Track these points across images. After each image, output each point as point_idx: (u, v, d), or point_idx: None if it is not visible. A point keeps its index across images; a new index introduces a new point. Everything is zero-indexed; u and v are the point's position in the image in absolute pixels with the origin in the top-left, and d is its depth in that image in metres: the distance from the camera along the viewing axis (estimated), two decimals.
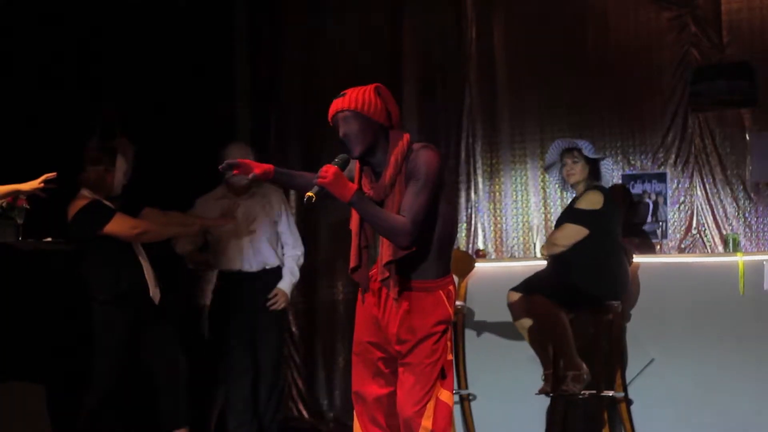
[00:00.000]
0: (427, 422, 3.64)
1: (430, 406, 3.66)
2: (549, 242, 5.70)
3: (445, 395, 3.70)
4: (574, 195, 5.91)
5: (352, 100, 3.65)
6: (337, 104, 3.69)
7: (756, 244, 6.35)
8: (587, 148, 5.74)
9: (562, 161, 5.81)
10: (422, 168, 3.58)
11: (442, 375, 3.70)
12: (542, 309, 5.54)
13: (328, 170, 3.49)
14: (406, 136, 3.69)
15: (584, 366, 5.60)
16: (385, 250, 3.63)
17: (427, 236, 3.64)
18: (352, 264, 3.76)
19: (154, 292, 5.34)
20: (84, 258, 5.24)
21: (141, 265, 5.31)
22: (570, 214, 5.68)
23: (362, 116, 3.64)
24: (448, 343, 3.72)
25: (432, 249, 3.67)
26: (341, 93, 3.70)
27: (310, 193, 3.51)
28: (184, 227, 5.41)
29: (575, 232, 5.58)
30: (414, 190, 3.57)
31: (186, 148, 7.46)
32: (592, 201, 5.62)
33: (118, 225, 5.21)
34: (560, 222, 5.75)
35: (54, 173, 4.77)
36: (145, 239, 5.32)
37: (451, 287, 3.74)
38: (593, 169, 5.78)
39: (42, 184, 4.71)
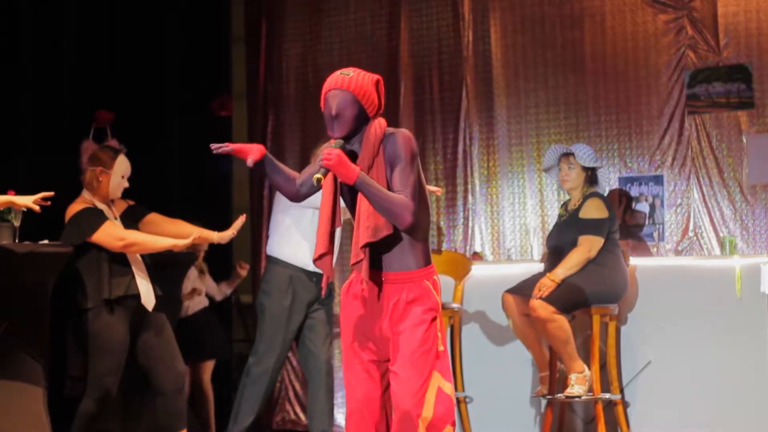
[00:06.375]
0: (426, 412, 3.60)
1: (429, 396, 3.62)
2: (574, 263, 5.63)
3: (447, 387, 3.66)
4: (568, 198, 5.93)
5: (357, 85, 3.66)
6: (341, 82, 3.67)
7: (753, 247, 6.35)
8: (585, 154, 5.76)
9: (558, 166, 5.84)
10: (402, 148, 3.63)
11: (438, 366, 3.66)
12: (543, 313, 5.55)
13: (332, 153, 3.53)
14: (384, 121, 3.73)
15: (587, 368, 5.61)
16: (362, 233, 3.61)
17: None
18: (321, 250, 3.72)
19: (147, 300, 5.31)
20: (75, 263, 5.22)
21: (132, 272, 5.28)
22: (580, 225, 5.67)
23: (359, 104, 3.66)
24: (439, 334, 3.69)
25: (412, 236, 3.67)
26: (345, 71, 3.70)
27: (317, 175, 3.55)
28: (178, 240, 5.31)
29: (597, 244, 5.62)
30: (401, 169, 3.62)
31: (183, 149, 7.47)
32: (599, 209, 5.68)
33: (105, 235, 5.18)
34: (565, 233, 5.73)
35: (51, 193, 4.77)
36: (131, 251, 5.26)
37: (435, 277, 3.73)
38: (590, 175, 5.81)
39: (36, 205, 4.72)
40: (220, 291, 7.07)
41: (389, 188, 3.62)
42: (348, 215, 6.10)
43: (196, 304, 6.78)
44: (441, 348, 3.70)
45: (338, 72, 3.71)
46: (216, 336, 6.91)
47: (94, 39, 6.89)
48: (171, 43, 7.45)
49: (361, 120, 3.69)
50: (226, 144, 3.71)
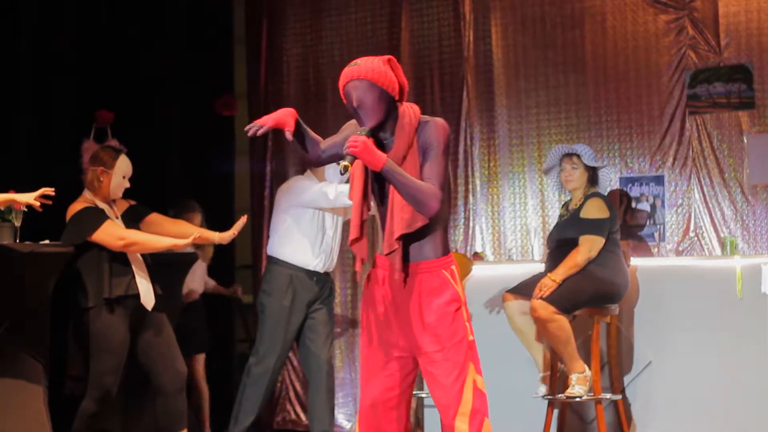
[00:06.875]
0: (464, 408, 3.57)
1: (467, 391, 3.58)
2: (575, 263, 5.62)
3: (479, 381, 3.62)
4: (569, 198, 5.93)
5: (368, 70, 3.61)
6: (351, 73, 3.63)
7: (753, 247, 6.35)
8: (587, 155, 5.76)
9: (561, 166, 5.84)
10: (436, 138, 3.60)
11: (471, 356, 3.62)
12: (544, 313, 5.55)
13: (357, 140, 3.48)
14: (417, 109, 3.69)
15: (587, 368, 5.61)
16: (397, 224, 3.57)
17: None
18: (354, 235, 3.67)
19: (146, 299, 5.30)
20: (76, 262, 5.22)
21: (132, 271, 5.28)
22: (581, 225, 5.67)
23: (377, 87, 3.61)
24: (467, 324, 3.65)
25: (430, 226, 3.62)
26: (353, 62, 3.66)
27: (344, 163, 3.50)
28: (179, 240, 5.30)
29: (598, 243, 5.61)
30: (433, 158, 3.58)
31: (184, 149, 7.47)
32: (601, 209, 5.67)
33: (105, 234, 5.17)
34: (566, 233, 5.73)
35: (52, 191, 4.76)
36: (132, 250, 5.25)
37: (453, 267, 3.68)
38: (592, 175, 5.81)
39: (37, 201, 4.71)
40: (208, 285, 7.01)
41: (421, 177, 3.58)
42: (350, 214, 6.14)
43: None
44: (471, 338, 3.66)
45: (347, 67, 3.68)
46: (202, 330, 6.86)
47: (94, 39, 6.89)
48: (172, 43, 7.45)
49: (387, 103, 3.63)
50: (260, 123, 3.61)
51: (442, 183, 3.58)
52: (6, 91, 6.33)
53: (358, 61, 3.66)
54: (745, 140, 6.41)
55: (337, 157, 3.74)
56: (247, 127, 3.64)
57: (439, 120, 3.67)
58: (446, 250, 3.69)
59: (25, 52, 6.46)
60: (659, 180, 6.61)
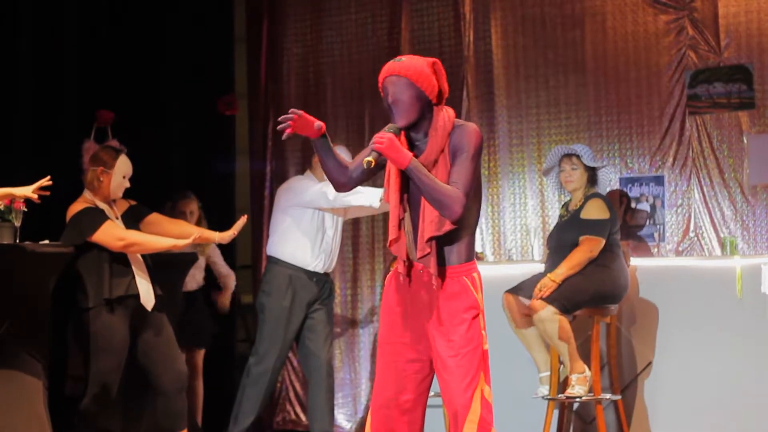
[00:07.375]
0: (473, 416, 3.56)
1: (476, 399, 3.57)
2: (576, 263, 5.61)
3: (487, 391, 3.62)
4: (569, 198, 5.93)
5: (409, 68, 3.61)
6: (392, 68, 3.63)
7: (753, 247, 6.35)
8: (587, 155, 5.77)
9: (560, 167, 5.84)
10: (467, 142, 3.59)
11: (483, 366, 3.61)
12: (544, 313, 5.54)
13: (384, 136, 3.49)
14: (452, 112, 3.68)
15: (587, 369, 5.61)
16: (427, 226, 3.57)
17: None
18: (392, 236, 3.66)
19: (146, 299, 5.30)
20: (76, 263, 5.23)
21: (132, 272, 5.28)
22: (582, 226, 5.67)
23: (415, 87, 3.61)
24: (483, 333, 3.64)
25: (458, 232, 3.62)
26: (397, 58, 3.66)
27: (368, 158, 3.51)
28: (179, 240, 5.30)
29: (599, 244, 5.61)
30: (461, 161, 3.58)
31: (185, 149, 7.47)
32: (601, 210, 5.68)
33: (105, 235, 5.18)
34: (566, 234, 5.72)
35: (49, 181, 4.75)
36: (131, 251, 5.26)
37: (475, 274, 3.69)
38: (591, 175, 5.82)
39: (35, 194, 4.70)
40: (225, 279, 6.86)
41: (449, 181, 3.57)
42: (350, 214, 6.15)
43: (191, 281, 6.53)
44: (485, 347, 3.65)
45: (390, 61, 3.68)
46: (202, 323, 6.67)
47: (94, 39, 6.89)
48: (172, 43, 7.45)
49: (423, 104, 3.63)
50: (298, 112, 3.61)
51: (468, 188, 3.56)
52: (6, 91, 6.32)
53: (403, 57, 3.67)
54: (745, 140, 6.41)
55: (368, 174, 3.71)
56: (281, 122, 3.63)
57: (472, 125, 3.66)
58: (470, 257, 3.69)
59: (25, 52, 6.46)
60: (659, 180, 6.61)
